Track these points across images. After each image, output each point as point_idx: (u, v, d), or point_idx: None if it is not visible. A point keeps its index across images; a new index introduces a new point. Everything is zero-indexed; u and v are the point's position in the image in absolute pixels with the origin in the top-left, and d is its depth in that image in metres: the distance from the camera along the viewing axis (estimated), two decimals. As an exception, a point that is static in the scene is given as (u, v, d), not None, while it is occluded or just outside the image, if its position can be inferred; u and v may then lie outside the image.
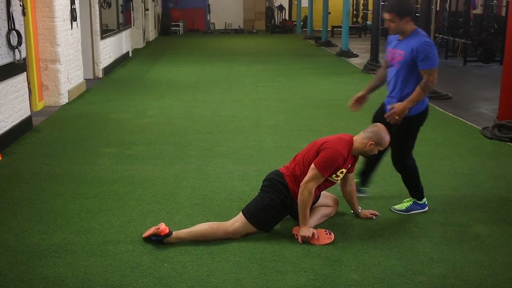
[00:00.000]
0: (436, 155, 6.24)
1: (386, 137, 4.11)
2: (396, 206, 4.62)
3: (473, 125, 7.68)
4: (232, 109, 8.60)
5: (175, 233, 3.94)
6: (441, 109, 8.73)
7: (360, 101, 4.69)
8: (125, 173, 5.50)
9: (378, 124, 4.19)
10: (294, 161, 4.23)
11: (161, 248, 3.88)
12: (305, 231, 3.99)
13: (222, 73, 12.60)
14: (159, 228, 3.92)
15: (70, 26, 9.01)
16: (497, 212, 4.59)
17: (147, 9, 18.42)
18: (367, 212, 4.46)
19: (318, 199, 4.33)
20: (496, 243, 4.03)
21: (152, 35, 19.95)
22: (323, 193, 4.39)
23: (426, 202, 4.61)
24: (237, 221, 4.05)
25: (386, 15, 4.26)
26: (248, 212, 4.05)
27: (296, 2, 25.77)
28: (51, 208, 4.59)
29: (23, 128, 6.88)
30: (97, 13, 11.17)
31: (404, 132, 4.38)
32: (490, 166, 5.87)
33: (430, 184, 5.25)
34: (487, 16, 14.03)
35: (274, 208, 4.04)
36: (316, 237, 4.00)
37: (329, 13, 19.57)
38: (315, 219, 4.27)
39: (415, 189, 4.57)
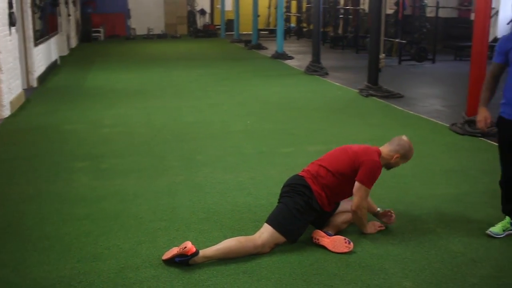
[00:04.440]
0: (419, 153, 6.09)
1: (412, 151, 4.10)
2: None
3: (439, 122, 7.76)
4: (192, 115, 8.21)
5: (201, 252, 3.58)
6: (400, 108, 8.78)
7: (490, 121, 4.09)
8: (110, 189, 5.01)
9: (404, 136, 4.13)
10: (315, 165, 4.07)
11: (189, 271, 3.49)
12: (371, 230, 4.08)
13: (163, 78, 12.12)
14: (185, 247, 3.54)
15: (9, 32, 8.26)
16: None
17: (69, 15, 17.49)
18: (386, 212, 4.27)
19: (338, 206, 4.12)
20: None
21: (73, 41, 18.97)
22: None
23: None
24: (264, 232, 3.76)
25: None
26: (275, 221, 3.79)
27: (218, 6, 25.52)
28: (43, 234, 4.05)
29: (-27, 145, 6.16)
30: (30, 18, 10.35)
31: None
32: (476, 161, 5.90)
33: (429, 183, 5.19)
34: (419, 16, 14.44)
35: (300, 212, 3.82)
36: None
37: (259, 16, 19.47)
38: (336, 226, 4.05)
39: None
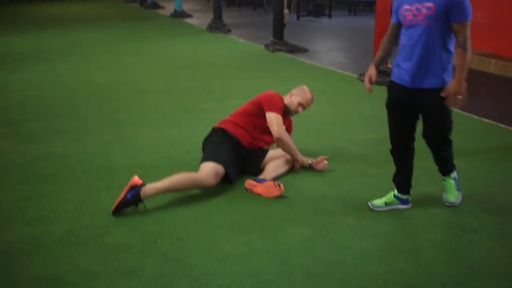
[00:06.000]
0: (336, 103, 6.50)
1: (309, 93, 4.59)
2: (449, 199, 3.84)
3: (347, 73, 8.13)
4: (104, 77, 8.02)
5: (149, 184, 3.75)
6: (308, 61, 9.07)
7: (374, 79, 3.84)
8: (37, 152, 4.86)
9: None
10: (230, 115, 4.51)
11: (142, 222, 3.55)
12: (305, 162, 4.43)
13: (62, 40, 11.63)
14: (133, 180, 3.70)
15: None
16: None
17: None
18: (321, 159, 4.50)
19: (265, 151, 4.43)
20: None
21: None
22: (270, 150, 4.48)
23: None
24: (201, 170, 4.00)
25: None
26: (204, 157, 4.13)
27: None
28: (-24, 201, 3.91)
29: None
30: None
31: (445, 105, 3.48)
32: (387, 108, 6.29)
33: (350, 130, 5.50)
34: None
35: (220, 142, 4.21)
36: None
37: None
38: (267, 173, 4.24)
39: (452, 161, 3.82)
